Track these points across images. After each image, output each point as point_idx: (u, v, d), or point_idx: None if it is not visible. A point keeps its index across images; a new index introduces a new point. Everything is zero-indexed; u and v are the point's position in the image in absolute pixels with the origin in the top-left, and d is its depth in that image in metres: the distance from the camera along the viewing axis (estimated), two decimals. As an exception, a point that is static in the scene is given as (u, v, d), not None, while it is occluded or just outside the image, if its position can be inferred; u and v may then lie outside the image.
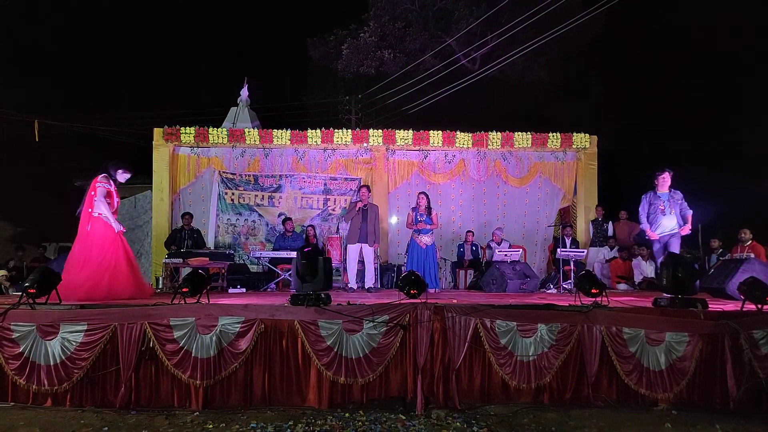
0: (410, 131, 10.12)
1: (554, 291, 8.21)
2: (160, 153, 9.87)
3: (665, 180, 6.55)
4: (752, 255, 7.23)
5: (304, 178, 10.20)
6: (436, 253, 7.89)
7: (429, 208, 7.73)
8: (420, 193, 7.90)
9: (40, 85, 20.55)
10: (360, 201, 7.60)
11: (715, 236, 8.92)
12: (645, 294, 7.27)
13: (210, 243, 9.72)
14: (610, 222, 9.92)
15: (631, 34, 17.75)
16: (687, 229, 6.41)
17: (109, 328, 4.45)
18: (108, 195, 5.63)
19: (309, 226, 9.53)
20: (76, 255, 5.46)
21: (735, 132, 16.30)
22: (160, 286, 8.11)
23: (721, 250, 8.25)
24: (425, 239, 7.67)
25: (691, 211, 6.46)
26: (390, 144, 10.12)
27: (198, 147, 10.04)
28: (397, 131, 10.14)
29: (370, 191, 8.01)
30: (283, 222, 9.32)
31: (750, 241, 7.80)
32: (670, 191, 6.53)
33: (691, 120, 17.36)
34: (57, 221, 16.50)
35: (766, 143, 14.46)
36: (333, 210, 10.23)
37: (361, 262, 7.75)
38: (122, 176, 5.86)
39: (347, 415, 4.31)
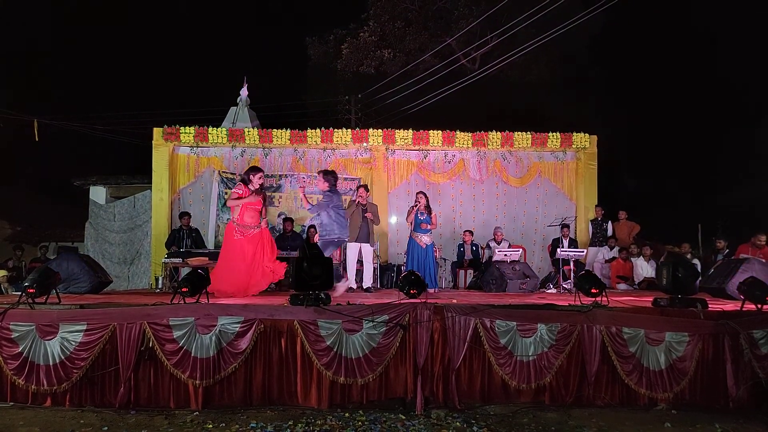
0: (410, 131, 10.10)
1: (554, 291, 8.21)
2: (160, 153, 9.86)
3: None
4: (763, 259, 7.17)
5: (303, 177, 10.19)
6: (435, 253, 7.89)
7: (428, 208, 7.73)
8: (418, 192, 7.89)
9: (40, 85, 20.58)
10: (360, 197, 7.58)
11: (717, 236, 8.87)
12: (645, 294, 7.26)
13: (210, 243, 9.69)
14: (610, 222, 9.91)
15: (632, 34, 17.76)
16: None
17: (109, 327, 4.44)
18: None
19: (310, 226, 9.47)
20: None
21: (735, 131, 16.29)
22: (160, 286, 8.11)
23: (727, 251, 8.20)
24: (425, 239, 7.67)
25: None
26: (390, 144, 10.11)
27: (198, 147, 10.02)
28: (396, 131, 10.13)
29: (368, 191, 7.99)
30: (283, 222, 9.31)
31: (765, 246, 7.73)
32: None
33: (691, 119, 17.37)
34: (57, 221, 16.54)
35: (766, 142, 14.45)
36: (333, 210, 10.20)
37: (360, 261, 7.74)
38: None
39: (347, 415, 4.30)
